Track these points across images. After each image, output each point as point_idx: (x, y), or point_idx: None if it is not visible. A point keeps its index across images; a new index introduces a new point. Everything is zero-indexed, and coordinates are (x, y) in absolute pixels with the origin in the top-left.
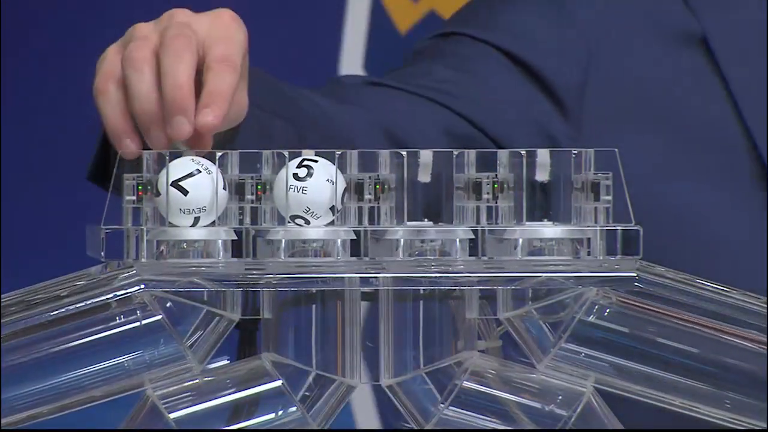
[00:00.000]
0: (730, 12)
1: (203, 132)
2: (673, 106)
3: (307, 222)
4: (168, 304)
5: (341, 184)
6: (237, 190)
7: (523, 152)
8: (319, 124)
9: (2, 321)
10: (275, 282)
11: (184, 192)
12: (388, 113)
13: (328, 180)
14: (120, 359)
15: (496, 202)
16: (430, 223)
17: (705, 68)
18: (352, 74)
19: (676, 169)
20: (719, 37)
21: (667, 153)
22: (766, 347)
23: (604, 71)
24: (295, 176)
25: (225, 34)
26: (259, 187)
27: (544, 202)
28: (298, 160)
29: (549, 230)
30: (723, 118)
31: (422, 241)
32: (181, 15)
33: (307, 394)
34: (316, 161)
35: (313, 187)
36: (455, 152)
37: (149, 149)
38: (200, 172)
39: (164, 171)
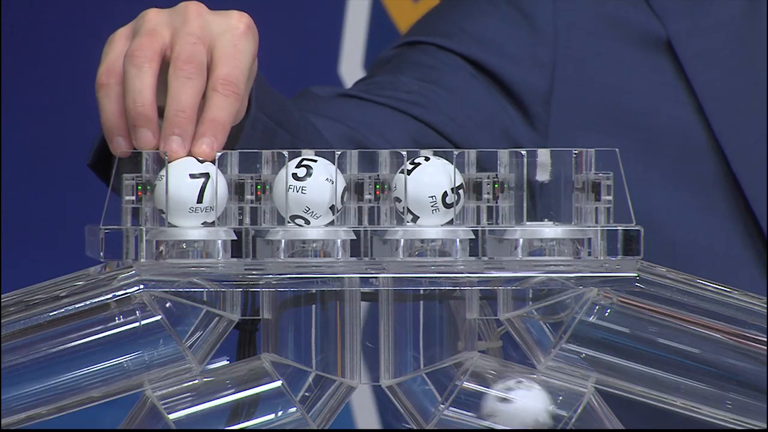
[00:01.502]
0: (694, 16)
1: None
2: (639, 112)
3: (307, 222)
4: (167, 305)
5: (341, 184)
6: (237, 190)
7: (523, 152)
8: (309, 135)
9: (1, 321)
10: (275, 282)
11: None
12: (358, 125)
13: (327, 179)
14: (119, 360)
15: (497, 202)
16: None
17: (671, 73)
18: (322, 86)
19: (644, 174)
20: (684, 41)
21: (634, 159)
22: (766, 347)
23: (569, 78)
24: (294, 176)
25: (234, 50)
26: (258, 187)
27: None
28: (297, 159)
29: (549, 230)
30: (689, 123)
31: (422, 241)
32: (194, 21)
33: (307, 394)
34: (315, 161)
35: (313, 186)
36: (455, 152)
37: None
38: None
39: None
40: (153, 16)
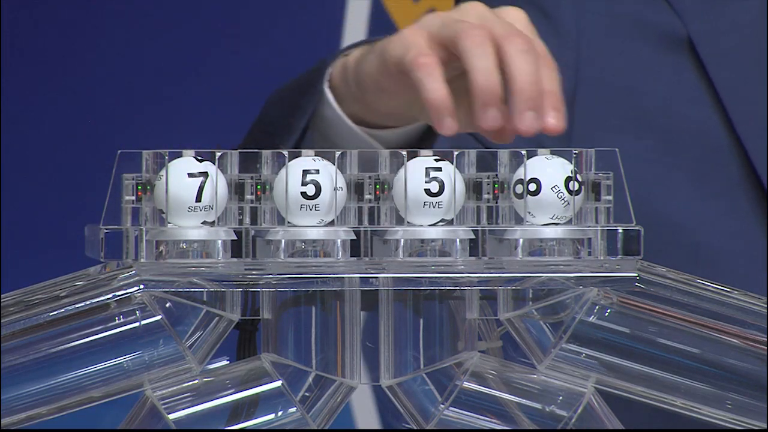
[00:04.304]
0: (715, 15)
1: (546, 133)
2: (661, 112)
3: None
4: (167, 305)
5: (341, 183)
6: (237, 190)
7: (523, 152)
8: None
9: (1, 321)
10: (275, 282)
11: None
12: None
13: (336, 189)
14: (119, 360)
15: (496, 202)
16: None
17: (692, 72)
18: None
19: (667, 175)
20: (705, 41)
21: (657, 160)
22: (766, 347)
23: (592, 78)
24: (304, 195)
25: (532, 34)
26: (258, 187)
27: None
28: (300, 172)
29: (549, 230)
30: (711, 124)
31: (422, 241)
32: (491, 13)
33: (306, 394)
34: (318, 171)
35: (325, 201)
36: (455, 152)
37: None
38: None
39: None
40: (446, 14)
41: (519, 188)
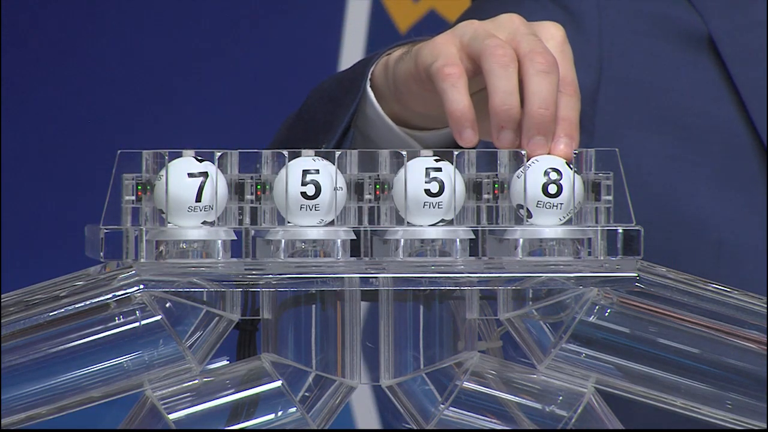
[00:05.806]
0: (735, 13)
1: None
2: (683, 110)
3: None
4: (167, 305)
5: (341, 183)
6: (237, 190)
7: (523, 152)
8: None
9: (1, 321)
10: (275, 282)
11: None
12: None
13: (335, 189)
14: (119, 360)
15: (497, 202)
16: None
17: (713, 71)
18: None
19: (690, 173)
20: (725, 39)
21: (680, 157)
22: (766, 347)
23: (614, 76)
24: (304, 195)
25: (562, 55)
26: (258, 187)
27: None
28: (300, 172)
29: (549, 230)
30: (733, 122)
31: (422, 241)
32: (526, 27)
33: (306, 394)
34: (318, 171)
35: (325, 201)
36: (455, 152)
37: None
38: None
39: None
40: (480, 25)
41: (522, 212)
